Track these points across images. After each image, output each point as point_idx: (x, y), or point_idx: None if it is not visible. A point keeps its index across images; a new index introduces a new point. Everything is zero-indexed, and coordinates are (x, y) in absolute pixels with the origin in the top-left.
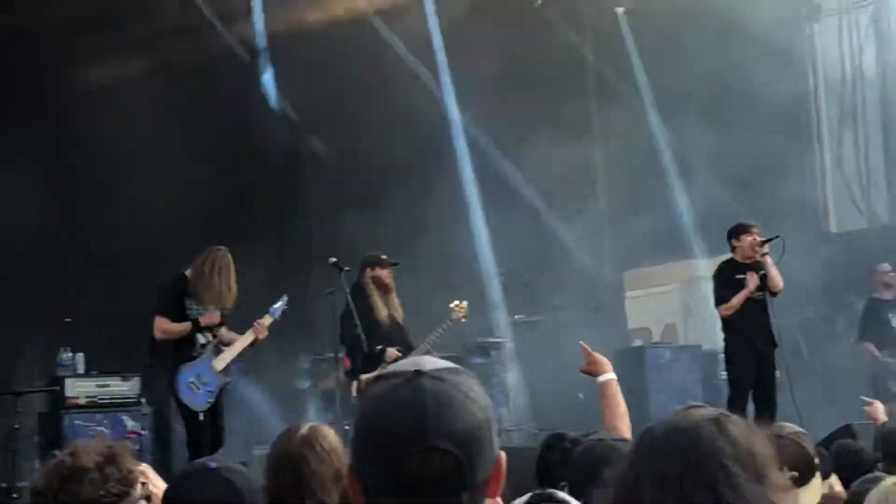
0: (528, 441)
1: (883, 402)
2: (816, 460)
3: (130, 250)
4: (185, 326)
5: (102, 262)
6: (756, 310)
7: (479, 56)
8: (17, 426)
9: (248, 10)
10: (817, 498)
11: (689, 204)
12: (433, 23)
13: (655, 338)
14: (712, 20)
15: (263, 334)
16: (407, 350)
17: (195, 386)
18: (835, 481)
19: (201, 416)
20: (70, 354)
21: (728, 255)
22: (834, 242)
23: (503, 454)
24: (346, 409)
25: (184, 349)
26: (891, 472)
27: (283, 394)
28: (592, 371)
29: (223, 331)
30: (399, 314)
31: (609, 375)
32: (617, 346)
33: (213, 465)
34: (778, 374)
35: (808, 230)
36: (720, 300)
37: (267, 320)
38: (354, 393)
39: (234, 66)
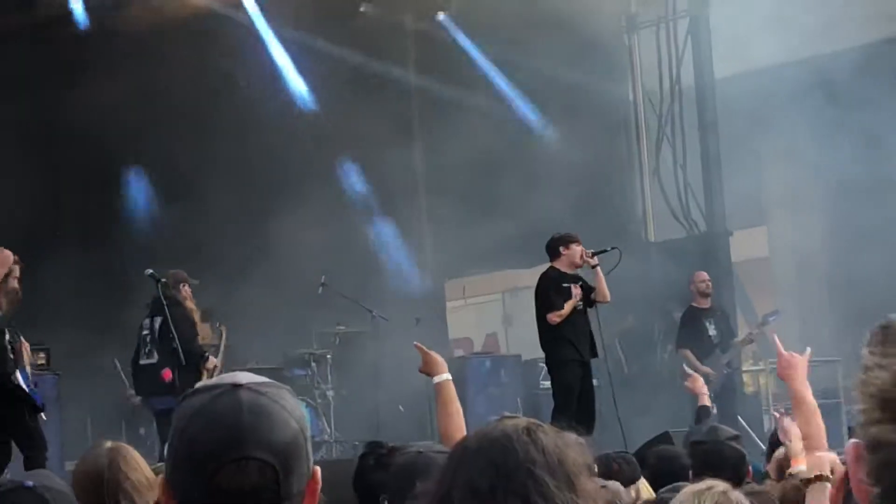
0: (348, 454)
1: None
2: (615, 466)
3: None
4: None
5: None
6: (581, 319)
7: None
8: None
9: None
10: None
11: (511, 213)
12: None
13: (477, 348)
14: (541, 26)
15: None
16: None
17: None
18: (643, 486)
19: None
20: None
21: (547, 265)
22: (653, 251)
23: (318, 468)
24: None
25: None
26: (700, 478)
27: (99, 406)
28: (428, 371)
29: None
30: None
31: (444, 376)
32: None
33: (30, 483)
34: (596, 382)
35: (627, 239)
36: (551, 307)
37: None
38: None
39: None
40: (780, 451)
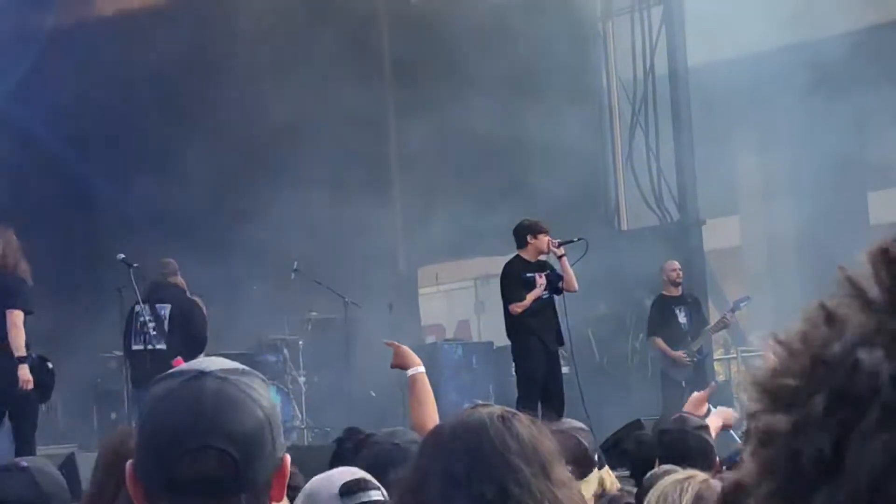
0: (320, 440)
1: (671, 397)
2: (596, 456)
3: None
4: None
5: None
6: (546, 309)
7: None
8: None
9: None
10: (592, 491)
11: (485, 200)
12: None
13: (449, 335)
14: (517, 12)
15: None
16: None
17: None
18: (606, 474)
19: None
20: None
21: (513, 254)
22: (624, 239)
23: (288, 457)
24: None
25: None
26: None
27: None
28: (401, 365)
29: None
30: None
31: (418, 369)
32: (410, 342)
33: (24, 464)
34: (566, 370)
35: (599, 227)
36: (513, 299)
37: None
38: None
39: None
40: None
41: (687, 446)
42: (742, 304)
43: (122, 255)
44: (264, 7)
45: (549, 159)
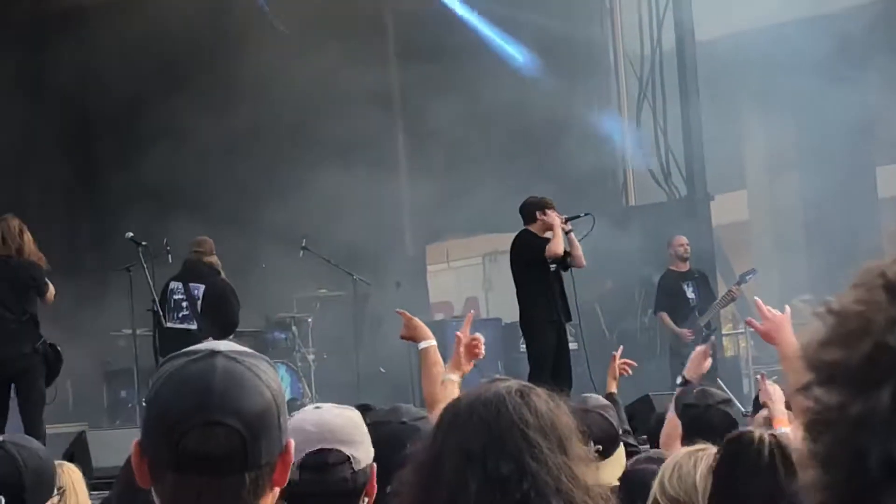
0: None
1: (679, 373)
2: (620, 433)
3: None
4: None
5: None
6: (555, 283)
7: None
8: None
9: None
10: (620, 470)
11: (493, 175)
12: None
13: (457, 311)
14: None
15: None
16: None
17: None
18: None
19: None
20: None
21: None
22: (632, 215)
23: (292, 441)
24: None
25: None
26: (692, 442)
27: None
28: (412, 337)
29: None
30: None
31: (430, 342)
32: (418, 319)
33: (0, 439)
34: (574, 346)
35: (607, 203)
36: (533, 261)
37: None
38: None
39: None
40: (761, 414)
41: (710, 422)
42: (748, 277)
43: (131, 234)
44: None
45: (557, 135)
